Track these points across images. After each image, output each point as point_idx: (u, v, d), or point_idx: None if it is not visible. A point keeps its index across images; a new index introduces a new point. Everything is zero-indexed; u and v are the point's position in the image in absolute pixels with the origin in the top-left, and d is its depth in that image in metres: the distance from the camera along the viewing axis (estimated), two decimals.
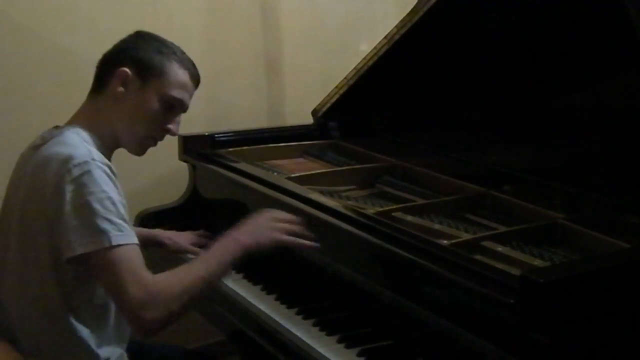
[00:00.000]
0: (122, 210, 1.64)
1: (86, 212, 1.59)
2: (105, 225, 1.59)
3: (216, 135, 2.54)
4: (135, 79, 1.76)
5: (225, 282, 2.05)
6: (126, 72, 1.76)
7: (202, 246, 2.18)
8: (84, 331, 1.70)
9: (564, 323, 1.39)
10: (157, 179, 2.79)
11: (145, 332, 1.61)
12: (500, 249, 1.70)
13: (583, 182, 2.09)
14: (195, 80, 1.85)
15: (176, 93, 1.80)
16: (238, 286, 2.02)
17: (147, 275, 1.61)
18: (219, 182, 2.39)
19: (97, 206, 1.59)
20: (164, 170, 2.76)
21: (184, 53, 1.84)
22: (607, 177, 2.19)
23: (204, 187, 2.51)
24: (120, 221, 1.61)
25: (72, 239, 1.59)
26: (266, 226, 1.77)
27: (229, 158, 2.43)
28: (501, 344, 1.44)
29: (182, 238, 2.22)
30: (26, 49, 2.68)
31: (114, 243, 1.58)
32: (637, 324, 1.47)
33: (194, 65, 1.85)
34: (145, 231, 2.22)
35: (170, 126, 1.83)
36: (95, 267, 1.61)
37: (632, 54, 1.78)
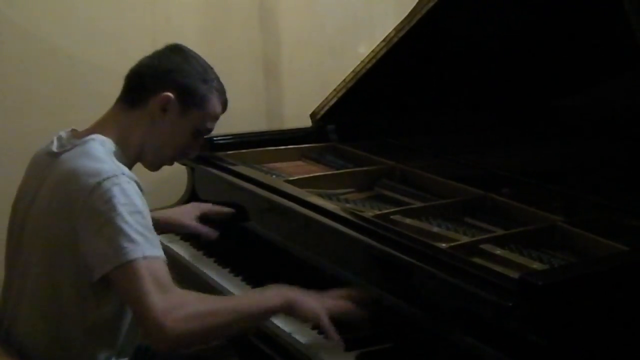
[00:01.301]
0: (151, 225, 1.64)
1: (118, 224, 1.57)
2: (137, 236, 1.58)
3: (215, 138, 2.53)
4: (176, 105, 1.76)
5: (223, 284, 2.05)
6: (170, 97, 1.75)
7: (207, 219, 2.23)
8: (95, 348, 1.70)
9: (562, 326, 1.39)
10: (156, 181, 2.76)
11: (163, 344, 1.57)
12: (499, 251, 1.69)
13: (582, 185, 2.09)
14: (225, 108, 1.88)
15: (210, 125, 1.84)
16: (237, 289, 2.02)
17: (173, 287, 1.60)
18: (218, 184, 2.39)
19: (129, 218, 1.58)
20: (162, 173, 2.74)
21: (219, 79, 1.85)
22: (607, 179, 2.19)
23: (202, 190, 2.50)
24: (150, 234, 1.61)
25: (105, 253, 1.57)
26: (318, 298, 1.69)
27: (227, 161, 2.43)
28: (500, 346, 1.43)
29: (185, 216, 2.23)
30: (24, 50, 2.68)
31: (147, 254, 1.57)
32: (635, 327, 1.46)
33: (225, 91, 1.86)
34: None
35: (193, 151, 1.89)
36: (121, 279, 1.58)
37: (631, 54, 1.77)
